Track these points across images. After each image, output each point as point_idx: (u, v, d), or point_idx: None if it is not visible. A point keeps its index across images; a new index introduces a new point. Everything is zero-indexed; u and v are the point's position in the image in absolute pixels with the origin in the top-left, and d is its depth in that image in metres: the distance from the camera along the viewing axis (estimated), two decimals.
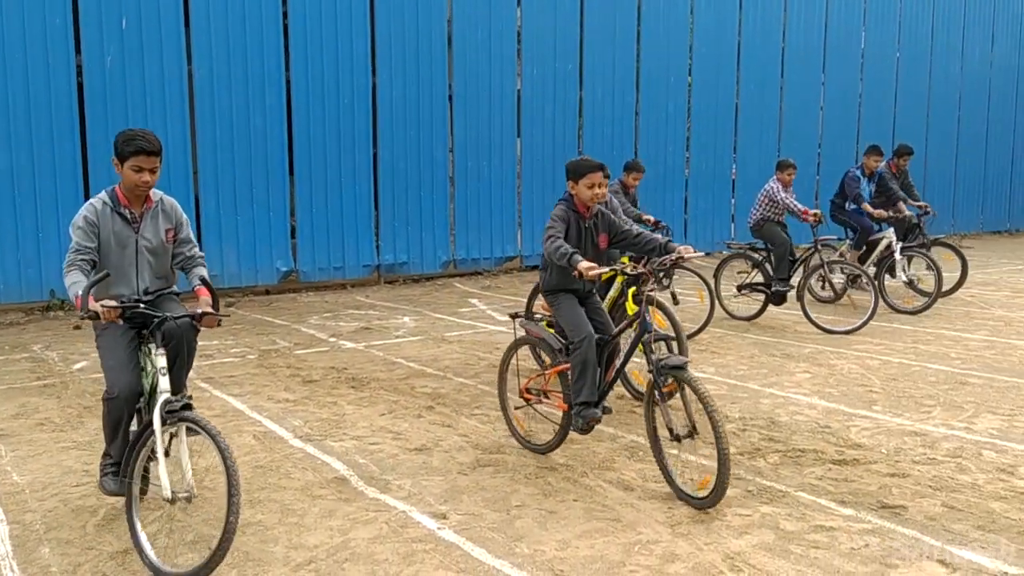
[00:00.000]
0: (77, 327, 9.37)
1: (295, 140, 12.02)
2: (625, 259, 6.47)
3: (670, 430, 4.21)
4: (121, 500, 4.24)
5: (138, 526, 3.64)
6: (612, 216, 5.04)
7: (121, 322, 3.71)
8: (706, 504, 4.06)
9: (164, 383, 3.62)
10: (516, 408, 5.21)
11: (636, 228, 5.00)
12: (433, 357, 7.77)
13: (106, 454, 4.03)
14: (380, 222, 12.89)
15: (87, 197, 10.42)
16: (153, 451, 3.62)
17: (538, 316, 6.14)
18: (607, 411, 4.71)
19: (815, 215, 9.06)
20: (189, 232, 4.17)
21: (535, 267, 14.49)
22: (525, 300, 7.72)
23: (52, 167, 10.26)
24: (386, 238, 12.94)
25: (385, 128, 12.76)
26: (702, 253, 5.17)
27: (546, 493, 4.40)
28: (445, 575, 3.50)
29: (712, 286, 8.78)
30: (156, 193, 4.03)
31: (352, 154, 12.45)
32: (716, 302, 8.83)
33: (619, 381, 5.70)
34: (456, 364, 7.47)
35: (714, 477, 4.00)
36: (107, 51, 10.47)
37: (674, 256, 4.57)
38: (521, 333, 5.12)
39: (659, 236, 4.83)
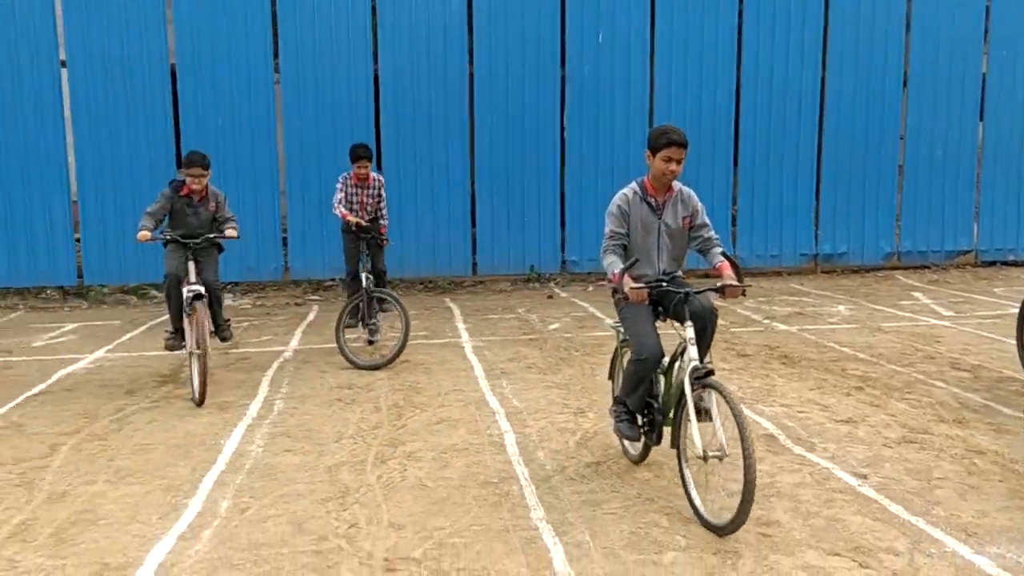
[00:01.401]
0: (549, 296, 11.23)
1: (741, 131, 12.71)
2: None
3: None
4: (596, 428, 5.43)
5: (688, 477, 4.06)
6: None
7: (648, 302, 4.37)
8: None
9: (692, 352, 3.99)
10: None
11: None
12: (866, 344, 7.93)
13: (621, 403, 4.67)
14: (820, 212, 13.02)
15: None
16: (689, 412, 3.92)
17: None
18: None
19: None
20: (704, 217, 4.61)
21: (992, 263, 13.34)
22: (974, 297, 7.35)
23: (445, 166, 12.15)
24: (826, 228, 13.03)
25: (831, 119, 12.84)
26: None
27: (970, 472, 4.57)
28: (862, 520, 3.98)
29: None
30: (676, 184, 4.57)
31: (796, 143, 12.79)
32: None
33: None
34: (890, 352, 7.56)
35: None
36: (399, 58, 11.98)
37: None
38: None
39: None
